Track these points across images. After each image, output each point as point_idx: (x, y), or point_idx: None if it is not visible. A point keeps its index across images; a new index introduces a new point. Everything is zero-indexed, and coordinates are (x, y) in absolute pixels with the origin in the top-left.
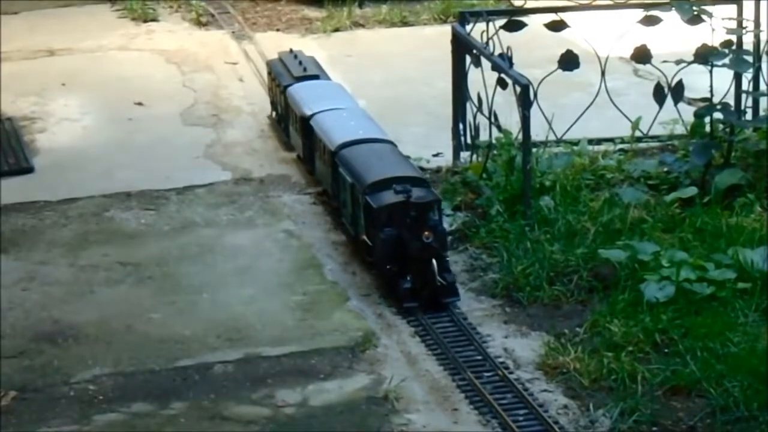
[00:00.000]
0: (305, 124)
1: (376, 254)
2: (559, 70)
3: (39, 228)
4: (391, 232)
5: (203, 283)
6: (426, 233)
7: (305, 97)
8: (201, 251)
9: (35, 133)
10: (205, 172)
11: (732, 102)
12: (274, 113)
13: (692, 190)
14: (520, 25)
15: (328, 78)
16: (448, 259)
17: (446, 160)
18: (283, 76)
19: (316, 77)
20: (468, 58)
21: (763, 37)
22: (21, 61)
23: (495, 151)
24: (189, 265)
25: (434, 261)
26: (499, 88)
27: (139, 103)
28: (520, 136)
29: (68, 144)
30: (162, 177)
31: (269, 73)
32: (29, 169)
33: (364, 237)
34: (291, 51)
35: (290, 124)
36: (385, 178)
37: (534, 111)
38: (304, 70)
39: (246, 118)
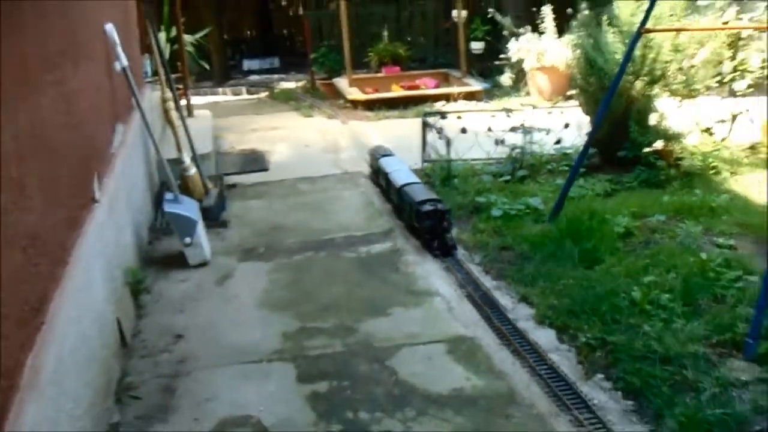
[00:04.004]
0: (387, 176)
1: (421, 232)
2: (460, 134)
3: (269, 190)
4: (429, 222)
5: (332, 210)
6: (444, 224)
7: (387, 163)
8: (330, 198)
9: (269, 156)
10: (331, 170)
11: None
12: (370, 172)
13: (507, 176)
14: (445, 117)
15: (393, 155)
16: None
17: (418, 165)
18: (378, 153)
19: (392, 155)
20: (427, 130)
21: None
22: (264, 131)
23: (438, 161)
24: (326, 204)
25: (446, 234)
26: (439, 140)
27: (306, 146)
28: (446, 156)
29: (280, 160)
30: (315, 171)
31: (370, 154)
32: (266, 169)
33: (415, 224)
34: (379, 145)
35: (379, 176)
36: (425, 199)
37: (453, 147)
38: (386, 152)
39: (347, 152)
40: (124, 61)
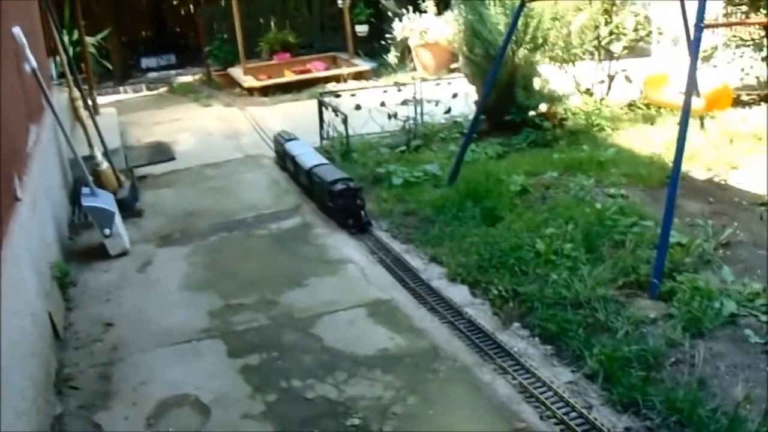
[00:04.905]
0: (294, 159)
1: (335, 211)
2: (355, 110)
3: (178, 178)
4: (343, 201)
5: (239, 192)
6: (358, 201)
7: (293, 147)
8: (237, 181)
9: (175, 145)
10: (234, 154)
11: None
12: (276, 156)
13: (403, 147)
14: (339, 96)
15: (298, 139)
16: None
17: (317, 143)
18: (282, 139)
19: (296, 139)
20: (323, 108)
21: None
22: (167, 123)
23: (335, 138)
24: (233, 186)
25: (361, 212)
26: (336, 118)
27: (209, 134)
28: (344, 132)
29: (185, 149)
30: (220, 157)
31: (275, 139)
32: (173, 158)
33: (330, 204)
34: (283, 130)
35: (286, 161)
36: (336, 179)
37: (349, 124)
38: (291, 137)
39: (248, 137)
40: (33, 63)
